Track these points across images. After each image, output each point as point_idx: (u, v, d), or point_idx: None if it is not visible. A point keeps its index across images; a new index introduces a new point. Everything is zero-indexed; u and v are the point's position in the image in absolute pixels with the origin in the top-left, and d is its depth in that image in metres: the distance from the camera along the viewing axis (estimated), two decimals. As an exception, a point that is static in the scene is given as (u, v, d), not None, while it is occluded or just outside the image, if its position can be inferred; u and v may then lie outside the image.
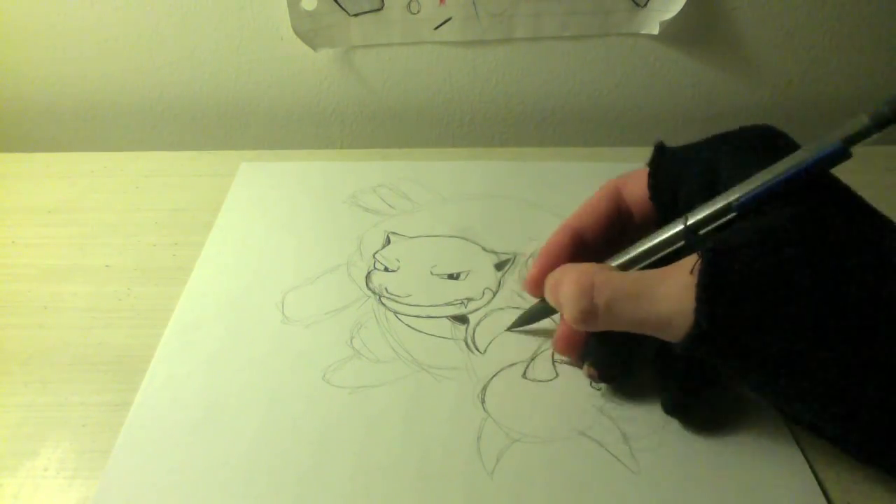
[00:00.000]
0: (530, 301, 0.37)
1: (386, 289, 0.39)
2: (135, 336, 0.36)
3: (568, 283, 0.30)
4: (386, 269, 0.40)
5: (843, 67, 0.55)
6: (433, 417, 0.32)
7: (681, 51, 0.54)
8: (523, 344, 0.35)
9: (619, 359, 0.32)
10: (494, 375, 0.34)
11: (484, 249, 0.42)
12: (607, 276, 0.29)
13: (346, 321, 0.37)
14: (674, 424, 0.31)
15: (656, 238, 0.30)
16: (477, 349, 0.35)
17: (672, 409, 0.31)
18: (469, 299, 0.38)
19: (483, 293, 0.39)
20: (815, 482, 0.29)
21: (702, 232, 0.29)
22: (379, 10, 0.51)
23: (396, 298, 0.38)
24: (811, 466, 0.30)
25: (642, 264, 0.31)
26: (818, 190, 0.28)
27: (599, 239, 0.34)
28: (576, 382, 0.34)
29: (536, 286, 0.34)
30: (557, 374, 0.34)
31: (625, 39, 0.53)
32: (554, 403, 0.33)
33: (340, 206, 0.46)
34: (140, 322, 0.37)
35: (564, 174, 0.49)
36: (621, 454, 0.30)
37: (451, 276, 0.40)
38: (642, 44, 0.54)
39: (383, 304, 0.38)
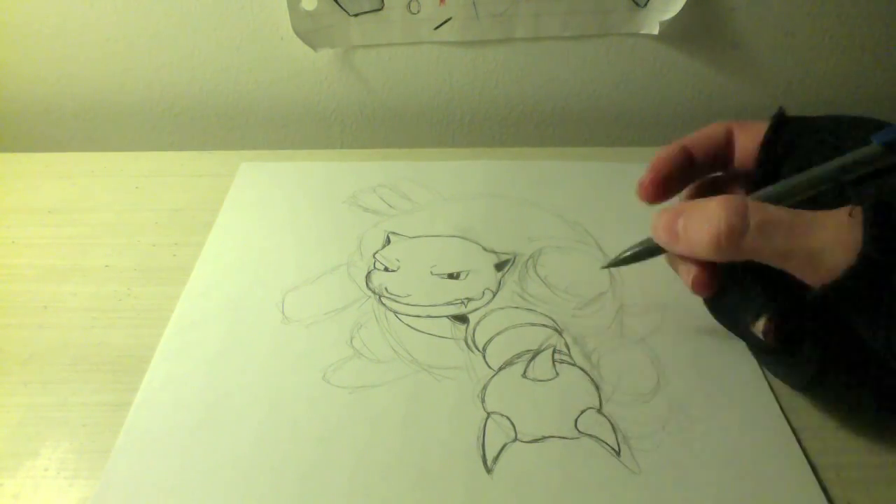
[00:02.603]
0: (531, 301, 0.38)
1: (386, 289, 0.39)
2: (135, 336, 0.36)
3: (710, 206, 0.29)
4: (386, 269, 0.40)
5: (843, 68, 0.55)
6: (433, 417, 0.32)
7: (681, 51, 0.54)
8: (523, 343, 0.35)
9: (790, 306, 0.29)
10: (494, 375, 0.34)
11: (484, 249, 0.42)
12: (759, 203, 0.29)
13: (346, 321, 0.37)
14: (674, 424, 0.31)
15: (805, 176, 0.30)
16: (477, 349, 0.35)
17: (809, 384, 0.30)
18: (469, 299, 0.38)
19: (483, 293, 0.39)
20: (815, 482, 0.29)
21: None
22: (379, 10, 0.51)
23: (396, 298, 0.38)
24: (811, 466, 0.30)
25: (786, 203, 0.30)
26: None
27: (704, 166, 0.35)
28: (576, 382, 0.34)
29: (653, 191, 0.35)
30: (557, 374, 0.34)
31: (625, 39, 0.53)
32: (554, 403, 0.33)
33: (340, 206, 0.46)
34: (140, 322, 0.37)
35: (564, 174, 0.49)
36: (621, 454, 0.30)
37: (451, 276, 0.40)
38: (642, 44, 0.54)
39: (383, 304, 0.38)
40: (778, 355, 0.31)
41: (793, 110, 0.58)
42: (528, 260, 0.41)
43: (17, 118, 0.57)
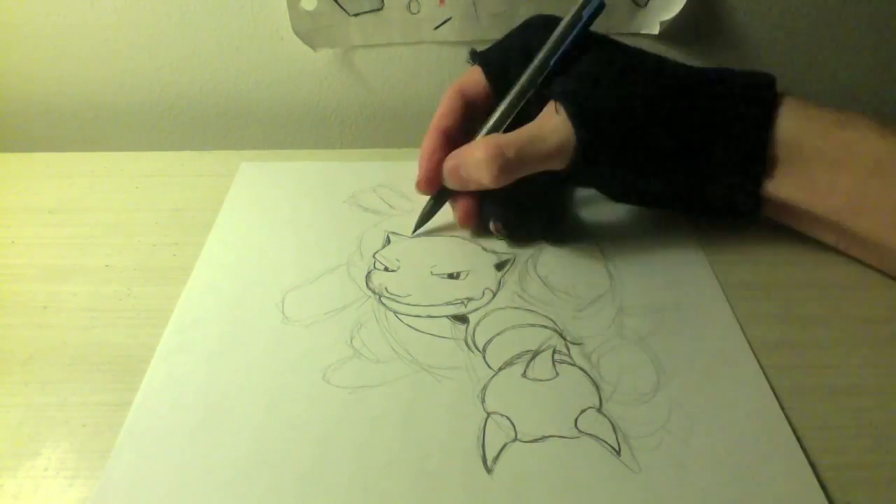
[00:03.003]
0: (531, 301, 0.38)
1: (386, 289, 0.39)
2: (135, 336, 0.36)
3: (477, 155, 0.38)
4: (386, 269, 0.40)
5: (843, 67, 0.55)
6: (433, 417, 0.32)
7: (681, 51, 0.54)
8: (523, 344, 0.35)
9: (512, 211, 0.42)
10: (494, 375, 0.34)
11: (484, 249, 0.42)
12: (504, 137, 0.39)
13: (346, 321, 0.37)
14: (674, 424, 0.31)
15: (507, 100, 0.40)
16: (477, 349, 0.35)
17: (544, 236, 0.43)
18: (469, 299, 0.38)
19: (483, 293, 0.39)
20: (816, 482, 0.29)
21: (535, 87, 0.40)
22: (379, 10, 0.51)
23: (396, 298, 0.38)
24: (811, 466, 0.30)
25: (505, 125, 0.40)
26: (601, 42, 0.41)
27: (459, 131, 0.42)
28: (576, 382, 0.34)
29: (430, 183, 0.41)
30: (557, 374, 0.34)
31: (625, 39, 0.53)
32: (554, 403, 0.33)
33: (340, 206, 0.46)
34: (140, 322, 0.37)
35: (564, 174, 0.49)
36: (621, 453, 0.30)
37: (450, 276, 0.40)
38: (642, 44, 0.53)
39: (383, 304, 0.38)
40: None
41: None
42: (527, 260, 0.41)
43: (17, 118, 0.57)
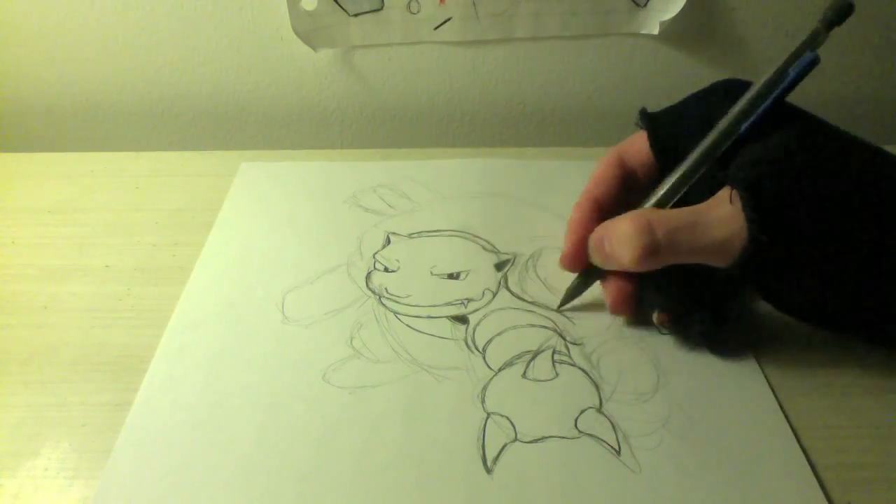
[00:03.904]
0: (530, 302, 0.38)
1: (386, 289, 0.39)
2: (135, 336, 0.36)
3: (622, 229, 0.33)
4: (386, 270, 0.40)
5: (843, 67, 0.55)
6: (433, 417, 0.32)
7: (681, 51, 0.54)
8: (523, 344, 0.35)
9: (679, 300, 0.35)
10: (494, 375, 0.34)
11: (484, 249, 0.42)
12: (659, 213, 0.32)
13: (346, 321, 0.37)
14: (674, 424, 0.31)
15: (678, 172, 0.34)
16: (477, 349, 0.35)
17: (704, 338, 0.35)
18: (469, 299, 0.38)
19: (483, 293, 0.39)
20: (816, 482, 0.29)
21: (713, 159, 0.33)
22: (379, 10, 0.51)
23: (396, 298, 0.38)
24: (811, 466, 0.30)
25: (673, 202, 0.34)
26: (797, 115, 0.34)
27: (614, 203, 0.36)
28: (576, 382, 0.34)
29: (574, 260, 0.36)
30: (557, 374, 0.34)
31: (625, 39, 0.53)
32: (554, 403, 0.33)
33: (340, 206, 0.46)
34: (140, 322, 0.37)
35: (564, 174, 0.49)
36: (621, 453, 0.30)
37: (451, 276, 0.40)
38: (642, 44, 0.54)
39: (383, 305, 0.38)
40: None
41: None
42: (527, 260, 0.41)
43: (17, 118, 0.57)
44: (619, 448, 0.31)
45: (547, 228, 0.44)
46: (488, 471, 0.30)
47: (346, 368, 0.34)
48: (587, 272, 0.37)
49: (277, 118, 0.57)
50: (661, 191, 0.34)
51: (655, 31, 0.52)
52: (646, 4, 0.51)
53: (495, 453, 0.30)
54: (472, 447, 0.31)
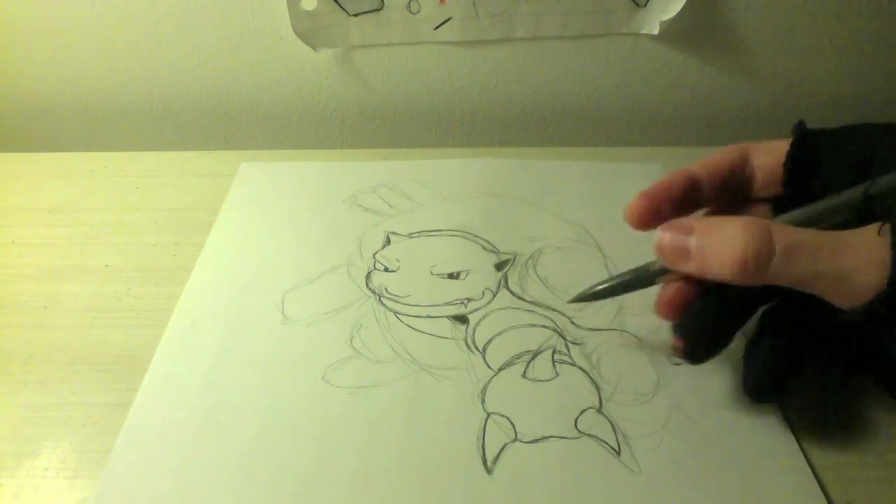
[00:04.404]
0: (530, 302, 0.37)
1: (386, 289, 0.39)
2: (135, 336, 0.36)
3: (729, 228, 0.28)
4: (386, 270, 0.40)
5: (843, 67, 0.55)
6: (433, 417, 0.32)
7: (681, 51, 0.54)
8: (523, 344, 0.35)
9: (715, 334, 0.30)
10: (494, 375, 0.34)
11: (484, 249, 0.42)
12: (781, 226, 0.27)
13: (346, 321, 0.37)
14: (674, 424, 0.31)
15: (832, 201, 0.29)
16: (477, 349, 0.35)
17: (772, 394, 0.31)
18: (469, 299, 0.38)
19: (483, 293, 0.39)
20: (815, 482, 0.29)
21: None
22: (379, 10, 0.51)
23: (396, 298, 0.38)
24: (811, 466, 0.30)
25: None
26: None
27: (712, 194, 0.32)
28: (576, 382, 0.34)
29: (643, 215, 0.31)
30: (557, 374, 0.34)
31: (625, 39, 0.53)
32: (554, 403, 0.33)
33: (340, 206, 0.46)
34: (140, 322, 0.37)
35: (564, 174, 0.49)
36: (621, 454, 0.30)
37: (451, 276, 0.40)
38: (642, 44, 0.54)
39: (383, 304, 0.38)
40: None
41: (792, 110, 0.58)
42: (527, 260, 0.41)
43: (17, 118, 0.57)
44: (619, 448, 0.31)
45: (547, 228, 0.44)
46: (488, 471, 0.30)
47: (346, 368, 0.34)
48: (637, 272, 0.32)
49: (277, 118, 0.57)
50: (796, 212, 0.29)
51: (655, 31, 0.52)
52: (646, 4, 0.51)
53: (495, 453, 0.30)
54: (472, 447, 0.31)
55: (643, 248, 0.42)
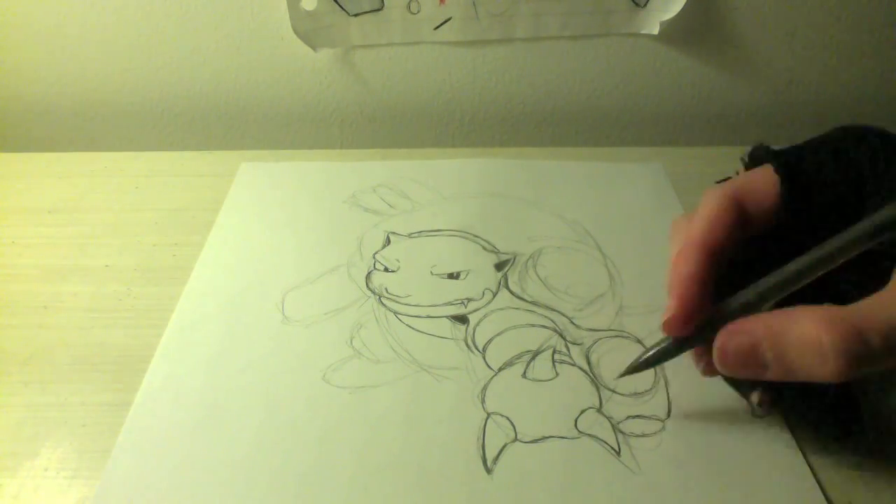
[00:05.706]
0: (530, 302, 0.37)
1: (386, 289, 0.39)
2: (135, 336, 0.36)
3: (813, 334, 0.25)
4: (386, 270, 0.40)
5: (843, 67, 0.55)
6: (433, 417, 0.32)
7: (681, 51, 0.54)
8: (523, 344, 0.35)
9: (795, 387, 0.28)
10: (494, 375, 0.34)
11: (484, 249, 0.42)
12: (858, 314, 0.25)
13: (346, 321, 0.37)
14: (674, 424, 0.31)
15: (844, 237, 0.27)
16: (477, 349, 0.35)
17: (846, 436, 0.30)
18: (469, 299, 0.38)
19: (483, 293, 0.39)
20: (815, 482, 0.29)
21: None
22: (379, 10, 0.51)
23: (396, 298, 0.38)
24: (811, 466, 0.30)
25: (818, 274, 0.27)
26: None
27: (727, 254, 0.30)
28: (576, 382, 0.34)
29: (684, 322, 0.29)
30: (557, 374, 0.34)
31: (625, 39, 0.53)
32: (554, 403, 0.33)
33: (340, 206, 0.46)
34: (140, 322, 0.37)
35: (564, 174, 0.49)
36: (621, 454, 0.30)
37: (451, 276, 0.40)
38: (642, 44, 0.54)
39: (383, 305, 0.38)
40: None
41: (793, 110, 0.58)
42: (527, 260, 0.41)
43: (17, 118, 0.57)
44: (619, 448, 0.31)
45: (547, 228, 0.44)
46: (488, 471, 0.30)
47: (346, 368, 0.34)
48: (687, 339, 0.29)
49: (277, 118, 0.57)
50: (809, 258, 0.27)
51: (655, 31, 0.52)
52: (646, 4, 0.51)
53: (495, 453, 0.30)
54: (472, 447, 0.31)
55: (643, 245, 0.42)
